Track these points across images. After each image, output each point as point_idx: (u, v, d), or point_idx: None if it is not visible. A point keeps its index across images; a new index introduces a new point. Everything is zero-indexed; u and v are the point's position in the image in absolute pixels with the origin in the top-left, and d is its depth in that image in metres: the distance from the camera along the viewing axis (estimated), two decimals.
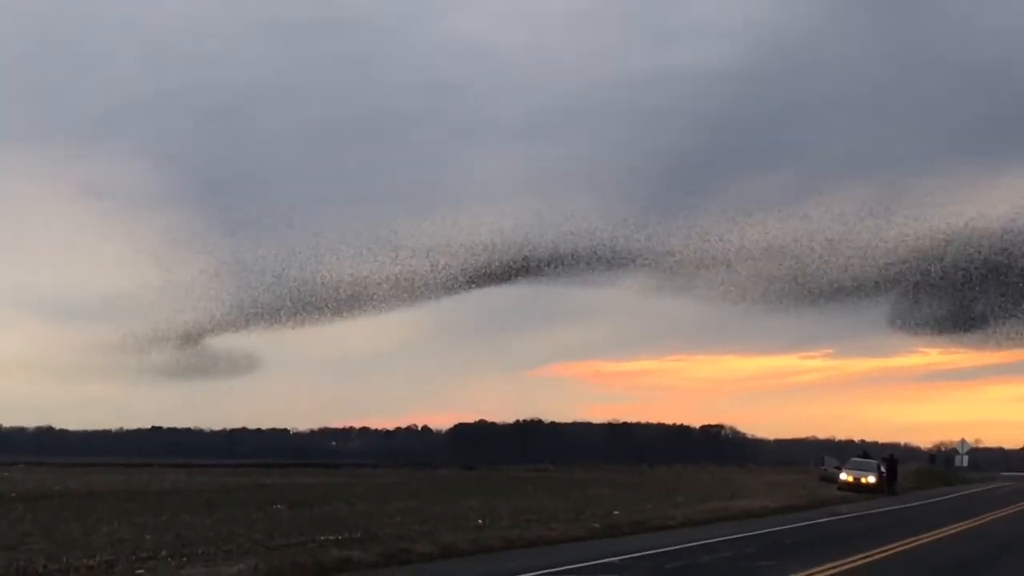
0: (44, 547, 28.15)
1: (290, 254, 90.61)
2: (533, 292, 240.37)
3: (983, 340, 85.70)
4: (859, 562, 29.92)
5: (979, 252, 75.66)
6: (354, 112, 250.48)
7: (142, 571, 23.89)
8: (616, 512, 45.73)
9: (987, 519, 53.39)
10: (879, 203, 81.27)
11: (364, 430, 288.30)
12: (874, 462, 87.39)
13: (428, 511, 44.11)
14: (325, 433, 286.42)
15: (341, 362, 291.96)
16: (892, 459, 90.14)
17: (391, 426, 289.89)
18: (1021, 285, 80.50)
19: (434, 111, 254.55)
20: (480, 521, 38.87)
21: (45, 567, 23.81)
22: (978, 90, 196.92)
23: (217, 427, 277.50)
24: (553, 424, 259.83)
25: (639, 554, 31.19)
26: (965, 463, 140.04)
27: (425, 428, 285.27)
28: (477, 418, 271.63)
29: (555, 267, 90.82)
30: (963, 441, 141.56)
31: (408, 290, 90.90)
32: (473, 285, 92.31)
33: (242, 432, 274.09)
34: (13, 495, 56.76)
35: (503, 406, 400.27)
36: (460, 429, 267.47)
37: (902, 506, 66.26)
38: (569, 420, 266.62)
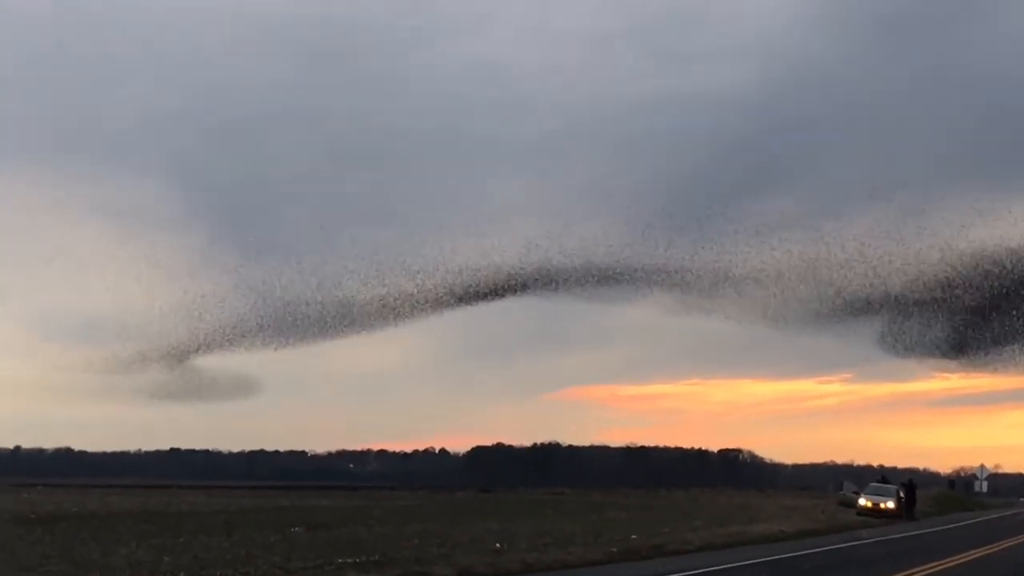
0: (63, 569, 28.22)
1: (305, 274, 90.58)
2: (550, 315, 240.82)
3: (1002, 364, 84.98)
4: None
5: (999, 275, 75.32)
6: (369, 133, 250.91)
7: None
8: (634, 536, 45.63)
9: (1007, 545, 53.18)
10: (896, 225, 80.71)
11: (382, 452, 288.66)
12: (893, 487, 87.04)
13: (446, 534, 44.09)
14: (343, 455, 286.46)
15: (358, 384, 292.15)
16: (911, 484, 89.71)
17: (409, 449, 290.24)
18: None
19: (449, 132, 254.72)
20: (498, 544, 38.83)
21: None
22: (998, 113, 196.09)
23: (235, 449, 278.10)
24: (571, 447, 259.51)
25: None
26: (984, 488, 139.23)
27: (443, 451, 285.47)
28: (495, 441, 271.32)
29: (569, 286, 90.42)
30: (982, 466, 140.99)
31: (418, 306, 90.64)
32: (483, 299, 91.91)
33: (260, 454, 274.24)
34: (32, 516, 56.86)
35: (520, 429, 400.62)
36: (478, 452, 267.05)
37: (921, 531, 66.01)
38: (586, 443, 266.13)
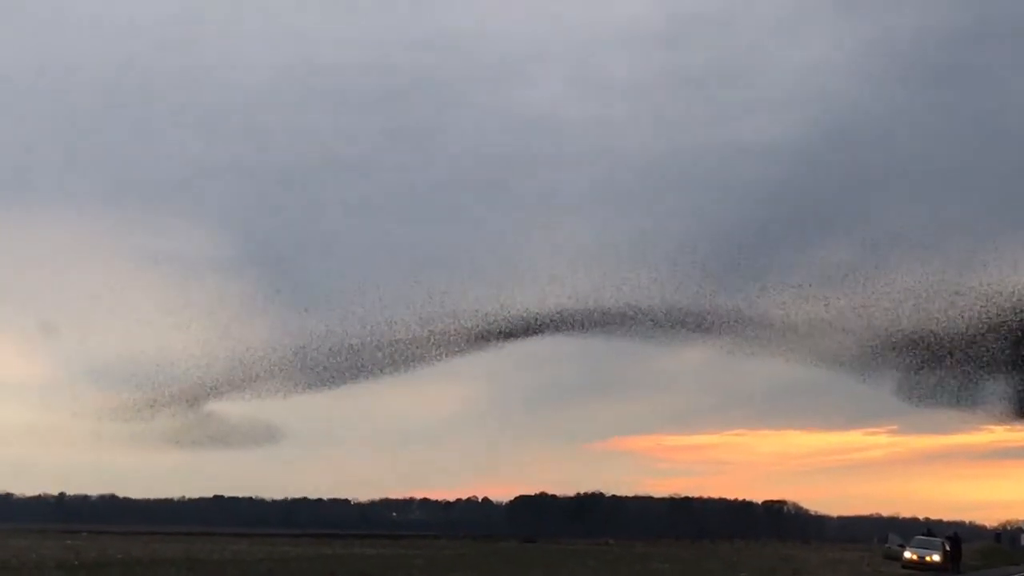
0: None
1: (351, 323, 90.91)
2: (595, 365, 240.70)
3: None
4: None
5: None
6: (417, 183, 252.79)
7: None
8: None
9: None
10: (946, 277, 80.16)
11: (425, 501, 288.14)
12: (938, 540, 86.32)
13: None
14: (386, 504, 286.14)
15: (402, 432, 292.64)
16: (956, 537, 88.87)
17: (452, 497, 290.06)
18: None
19: (497, 182, 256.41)
20: None
21: None
22: None
23: (278, 496, 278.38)
24: (614, 498, 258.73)
25: None
26: None
27: (486, 500, 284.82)
28: (538, 490, 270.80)
29: (613, 331, 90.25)
30: None
31: (458, 343, 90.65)
32: (523, 337, 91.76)
33: (303, 502, 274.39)
34: (76, 563, 57.21)
35: (564, 479, 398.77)
36: (521, 501, 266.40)
37: None
38: (630, 494, 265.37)
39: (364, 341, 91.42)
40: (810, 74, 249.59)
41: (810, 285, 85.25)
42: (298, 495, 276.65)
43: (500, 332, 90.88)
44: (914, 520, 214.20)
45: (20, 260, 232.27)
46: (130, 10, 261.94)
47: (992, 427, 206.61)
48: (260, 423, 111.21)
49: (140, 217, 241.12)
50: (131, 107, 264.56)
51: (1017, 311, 76.73)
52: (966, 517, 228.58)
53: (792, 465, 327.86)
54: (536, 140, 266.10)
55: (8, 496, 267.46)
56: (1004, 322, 77.06)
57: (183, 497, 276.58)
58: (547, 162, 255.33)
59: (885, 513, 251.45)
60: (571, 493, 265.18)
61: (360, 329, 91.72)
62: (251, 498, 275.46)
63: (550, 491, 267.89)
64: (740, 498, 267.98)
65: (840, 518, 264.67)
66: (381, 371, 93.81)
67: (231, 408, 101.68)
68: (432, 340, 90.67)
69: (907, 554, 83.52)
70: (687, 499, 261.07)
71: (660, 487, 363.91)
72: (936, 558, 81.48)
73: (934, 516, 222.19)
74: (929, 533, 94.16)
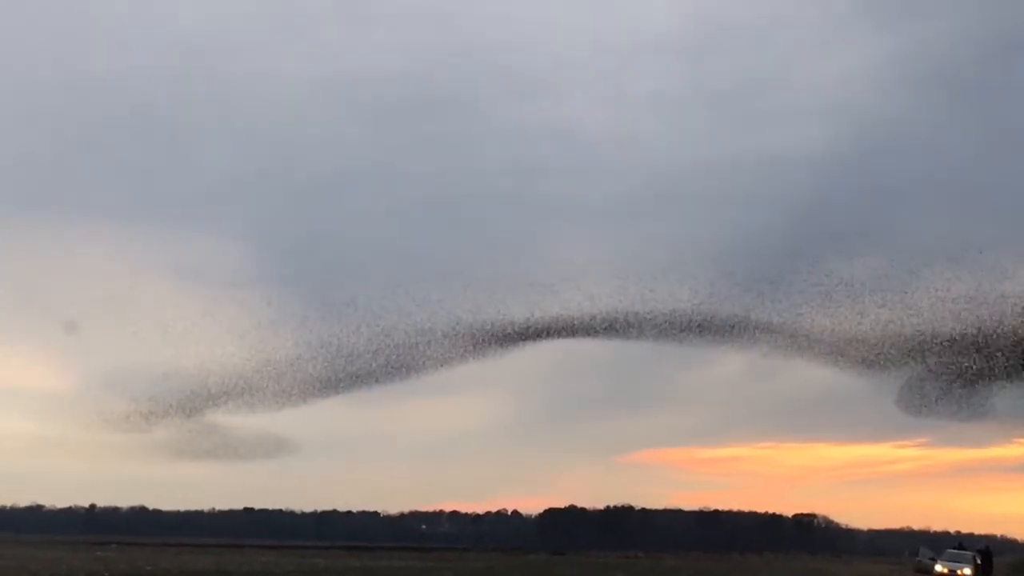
0: None
1: (381, 329, 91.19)
2: (623, 378, 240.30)
3: None
4: None
5: None
6: (442, 194, 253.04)
7: None
8: None
9: None
10: (975, 289, 79.81)
11: (454, 513, 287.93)
12: (969, 554, 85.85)
13: None
14: (415, 516, 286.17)
15: (431, 444, 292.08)
16: (987, 551, 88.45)
17: (481, 510, 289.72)
18: None
19: (522, 193, 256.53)
20: None
21: None
22: None
23: (308, 508, 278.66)
24: (643, 510, 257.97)
25: None
26: None
27: (515, 512, 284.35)
28: (567, 503, 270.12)
29: (638, 337, 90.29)
30: None
31: (490, 343, 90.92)
32: (545, 338, 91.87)
33: (332, 514, 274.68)
34: (106, 575, 57.37)
35: (593, 491, 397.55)
36: (550, 514, 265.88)
37: None
38: (660, 507, 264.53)
39: (395, 344, 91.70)
40: (840, 86, 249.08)
41: (836, 298, 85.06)
42: (328, 507, 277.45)
43: (529, 333, 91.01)
44: (945, 533, 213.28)
45: (49, 272, 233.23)
46: (161, 24, 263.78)
47: (1023, 440, 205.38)
48: (288, 436, 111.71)
49: (174, 231, 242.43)
50: (161, 120, 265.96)
51: None
52: (998, 530, 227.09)
53: (821, 478, 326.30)
54: (561, 151, 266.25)
55: (39, 508, 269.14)
56: None
57: (213, 509, 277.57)
58: (574, 173, 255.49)
59: (916, 526, 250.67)
60: (600, 506, 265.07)
61: (390, 334, 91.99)
62: (281, 510, 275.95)
63: (579, 504, 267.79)
64: (769, 511, 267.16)
65: (870, 531, 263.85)
66: (412, 372, 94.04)
67: (259, 420, 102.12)
68: (460, 340, 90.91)
69: (938, 567, 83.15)
70: (716, 512, 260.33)
71: (689, 500, 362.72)
72: (967, 572, 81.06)
73: (965, 529, 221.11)
74: (960, 546, 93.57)
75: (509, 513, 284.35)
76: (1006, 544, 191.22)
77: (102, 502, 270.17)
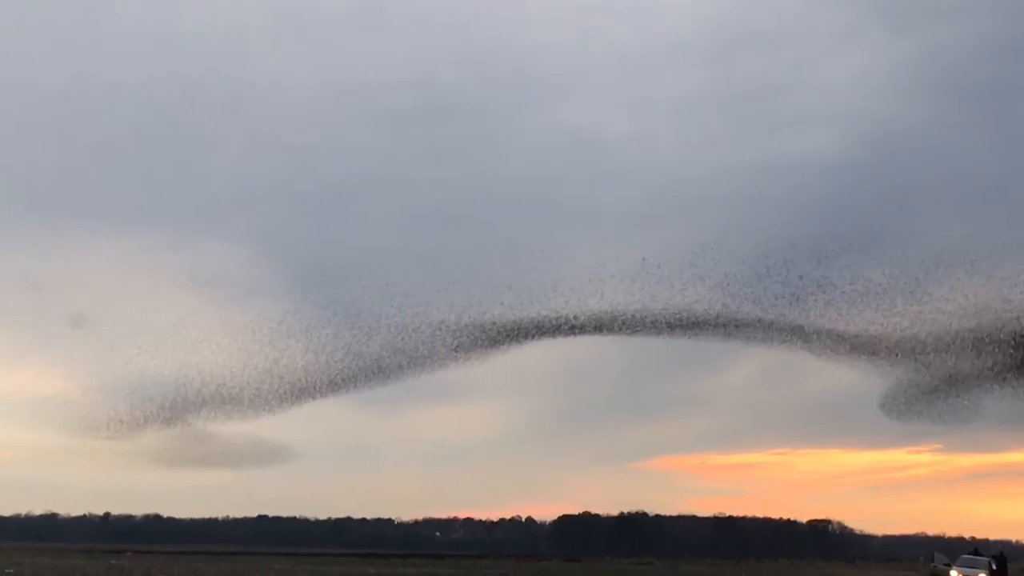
0: None
1: (395, 335, 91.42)
2: (638, 384, 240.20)
3: None
4: None
5: None
6: (458, 201, 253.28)
7: None
8: None
9: None
10: (992, 293, 79.80)
11: (468, 520, 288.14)
12: (984, 559, 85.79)
13: None
14: (429, 523, 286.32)
15: (445, 451, 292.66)
16: (1002, 556, 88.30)
17: (495, 517, 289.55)
18: None
19: (539, 198, 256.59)
20: None
21: None
22: None
23: (322, 516, 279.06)
24: (658, 517, 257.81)
25: None
26: None
27: (529, 519, 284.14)
28: (581, 510, 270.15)
29: (655, 335, 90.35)
30: None
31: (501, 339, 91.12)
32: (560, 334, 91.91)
33: (346, 521, 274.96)
34: None
35: (608, 498, 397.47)
36: (564, 521, 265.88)
37: None
38: (674, 513, 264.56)
39: (409, 343, 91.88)
40: (856, 91, 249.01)
41: (856, 300, 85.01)
42: (342, 515, 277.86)
43: (543, 329, 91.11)
44: (960, 539, 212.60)
45: (62, 278, 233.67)
46: (176, 31, 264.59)
47: None
48: (302, 443, 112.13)
49: (185, 238, 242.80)
50: (175, 127, 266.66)
51: None
52: (1013, 536, 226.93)
53: (836, 484, 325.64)
54: (577, 157, 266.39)
55: (54, 516, 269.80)
56: None
57: (227, 517, 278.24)
58: (591, 178, 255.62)
59: (931, 532, 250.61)
60: (615, 512, 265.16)
61: (404, 335, 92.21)
62: (295, 517, 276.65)
63: (593, 510, 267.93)
64: (784, 517, 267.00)
65: (885, 537, 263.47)
66: (426, 368, 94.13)
67: (271, 427, 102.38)
68: (474, 336, 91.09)
69: (953, 573, 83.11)
70: (731, 518, 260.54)
71: (704, 506, 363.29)
72: None
73: (980, 535, 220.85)
74: (975, 552, 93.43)
75: (523, 520, 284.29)
76: (1021, 550, 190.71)
77: (116, 510, 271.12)
